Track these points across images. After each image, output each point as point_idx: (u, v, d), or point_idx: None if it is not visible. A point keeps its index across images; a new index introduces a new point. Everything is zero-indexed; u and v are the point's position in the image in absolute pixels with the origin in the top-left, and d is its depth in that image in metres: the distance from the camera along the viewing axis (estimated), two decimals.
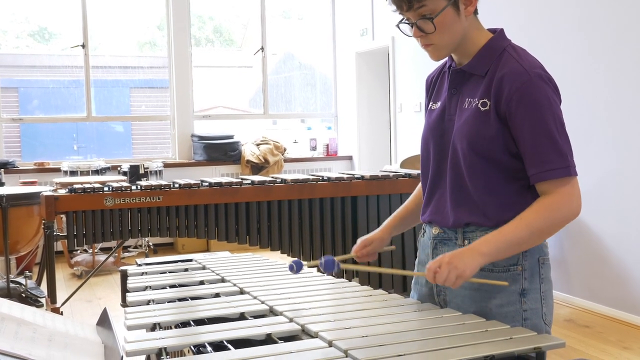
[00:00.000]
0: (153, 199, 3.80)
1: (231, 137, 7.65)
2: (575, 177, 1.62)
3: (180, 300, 1.89)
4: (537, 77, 1.61)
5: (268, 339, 1.48)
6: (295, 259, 1.92)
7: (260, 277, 2.15)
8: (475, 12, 1.70)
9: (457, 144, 1.70)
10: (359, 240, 1.98)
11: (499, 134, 1.64)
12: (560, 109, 1.65)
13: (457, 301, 1.74)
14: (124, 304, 2.15)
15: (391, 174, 4.24)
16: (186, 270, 2.37)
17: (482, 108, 1.66)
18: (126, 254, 6.76)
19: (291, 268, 1.88)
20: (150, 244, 6.85)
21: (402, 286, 4.11)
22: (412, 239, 4.05)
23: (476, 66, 1.70)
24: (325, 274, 1.86)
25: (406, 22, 1.70)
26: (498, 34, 1.73)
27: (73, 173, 6.45)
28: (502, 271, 1.69)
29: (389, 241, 2.02)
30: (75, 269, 6.05)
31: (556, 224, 1.62)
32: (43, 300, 4.52)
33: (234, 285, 2.03)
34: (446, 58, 1.80)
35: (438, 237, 1.80)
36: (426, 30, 1.66)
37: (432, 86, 1.89)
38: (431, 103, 1.86)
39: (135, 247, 6.92)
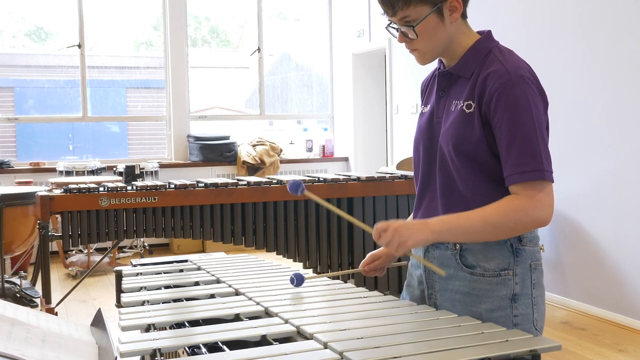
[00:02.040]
0: (148, 200, 3.79)
1: (227, 137, 7.65)
2: (550, 183, 1.60)
3: (175, 301, 1.88)
4: (518, 78, 1.60)
5: (263, 341, 1.47)
6: (297, 272, 1.94)
7: (255, 278, 2.14)
8: (464, 16, 1.70)
9: (444, 146, 1.70)
10: (368, 255, 1.99)
11: (482, 136, 1.63)
12: (541, 112, 1.62)
13: (447, 305, 1.74)
14: (119, 304, 2.14)
15: (387, 175, 4.23)
16: (181, 271, 2.37)
17: (467, 110, 1.66)
18: (121, 255, 6.74)
19: (292, 281, 1.91)
20: (146, 244, 6.84)
21: (397, 288, 4.11)
22: None
23: (462, 68, 1.70)
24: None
25: (393, 26, 1.71)
26: (485, 36, 1.73)
27: (68, 173, 6.44)
28: (492, 275, 1.68)
29: (398, 256, 2.01)
30: (70, 269, 6.03)
31: (513, 225, 1.61)
32: (38, 301, 4.51)
33: (229, 286, 2.03)
34: (436, 61, 1.80)
35: None
36: (409, 37, 1.68)
37: (424, 90, 1.90)
38: (422, 106, 1.86)
39: (131, 248, 6.91)
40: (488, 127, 1.63)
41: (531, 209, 1.58)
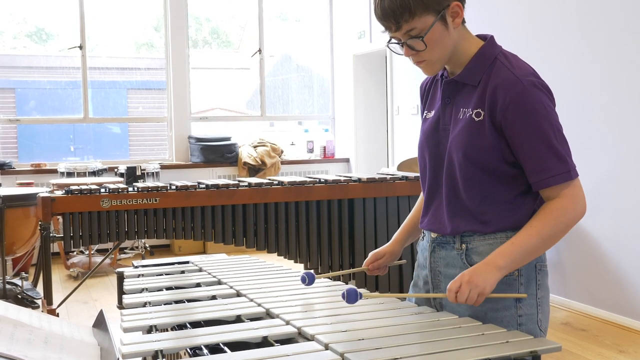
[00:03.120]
0: (150, 201, 3.80)
1: (228, 139, 7.65)
2: (577, 178, 1.64)
3: (176, 302, 1.89)
4: (530, 85, 1.62)
5: (264, 342, 1.48)
6: (309, 271, 1.92)
7: (256, 280, 2.15)
8: (463, 21, 1.71)
9: (452, 154, 1.71)
10: (371, 254, 2.00)
11: (494, 143, 1.65)
12: (556, 113, 1.66)
13: (452, 305, 1.74)
14: (120, 305, 2.15)
15: (388, 176, 4.24)
16: (182, 272, 2.37)
17: (476, 118, 1.66)
18: (122, 256, 6.75)
19: (303, 280, 1.89)
20: (147, 245, 6.84)
21: (398, 289, 4.11)
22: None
23: (468, 76, 1.71)
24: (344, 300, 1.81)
25: (396, 42, 1.70)
26: (488, 42, 1.73)
27: (70, 174, 6.44)
28: None
29: (400, 254, 2.02)
30: (71, 270, 6.04)
31: (564, 228, 1.64)
32: (39, 302, 4.51)
33: (231, 287, 2.03)
34: None
35: (436, 241, 1.81)
36: (417, 48, 1.67)
37: (426, 93, 1.90)
38: (426, 112, 1.87)
39: (132, 249, 6.91)
40: (501, 135, 1.64)
41: (573, 205, 1.63)
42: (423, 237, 1.90)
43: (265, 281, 2.12)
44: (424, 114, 1.87)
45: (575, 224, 1.65)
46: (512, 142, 1.64)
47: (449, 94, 1.76)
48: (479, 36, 1.76)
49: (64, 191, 3.82)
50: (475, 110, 1.67)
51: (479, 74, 1.69)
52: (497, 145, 1.64)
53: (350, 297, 1.67)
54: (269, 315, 1.70)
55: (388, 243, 2.02)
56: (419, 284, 1.91)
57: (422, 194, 1.98)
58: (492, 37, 1.75)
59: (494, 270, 1.60)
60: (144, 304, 1.86)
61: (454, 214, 1.74)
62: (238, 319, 1.67)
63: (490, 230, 1.68)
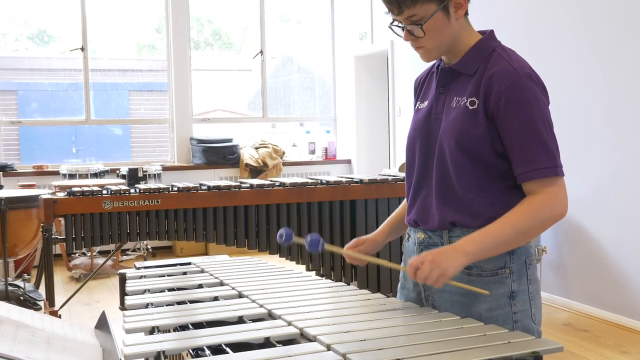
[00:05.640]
0: (152, 202, 3.80)
1: (230, 140, 7.66)
2: (562, 177, 1.63)
3: (178, 303, 1.89)
4: (526, 76, 1.62)
5: (266, 343, 1.48)
6: (287, 228, 1.84)
7: (258, 281, 2.15)
8: (466, 14, 1.72)
9: (444, 142, 1.71)
10: (354, 240, 1.95)
11: (486, 132, 1.64)
12: (548, 109, 1.66)
13: (445, 306, 1.74)
14: (123, 307, 2.15)
15: (390, 177, 4.24)
16: (185, 273, 2.37)
17: (470, 107, 1.67)
18: (124, 257, 6.75)
19: (280, 236, 1.81)
20: (149, 247, 6.85)
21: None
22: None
23: (465, 65, 1.72)
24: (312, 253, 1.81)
25: (397, 25, 1.71)
26: (488, 35, 1.75)
27: (72, 176, 6.45)
28: (490, 275, 1.69)
29: (382, 245, 1.99)
30: (73, 272, 6.04)
31: (542, 224, 1.62)
32: (41, 303, 4.52)
33: (233, 288, 2.03)
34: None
35: (424, 243, 1.79)
36: (416, 35, 1.68)
37: (420, 87, 1.90)
38: (418, 103, 1.86)
39: (134, 250, 6.92)
40: (492, 124, 1.64)
41: (552, 204, 1.61)
42: (408, 239, 1.88)
43: (267, 282, 2.12)
44: (417, 105, 1.86)
45: (552, 223, 1.63)
46: (502, 131, 1.63)
47: (444, 82, 1.76)
48: (480, 32, 1.77)
49: (66, 193, 3.83)
50: (470, 99, 1.67)
51: (475, 64, 1.69)
52: (488, 135, 1.64)
53: (313, 245, 1.75)
54: (271, 316, 1.70)
55: (373, 232, 1.98)
56: (407, 285, 1.90)
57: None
58: (492, 30, 1.76)
59: (461, 255, 1.58)
60: (146, 305, 1.86)
61: (443, 203, 1.72)
62: (240, 320, 1.67)
63: (478, 223, 1.65)
